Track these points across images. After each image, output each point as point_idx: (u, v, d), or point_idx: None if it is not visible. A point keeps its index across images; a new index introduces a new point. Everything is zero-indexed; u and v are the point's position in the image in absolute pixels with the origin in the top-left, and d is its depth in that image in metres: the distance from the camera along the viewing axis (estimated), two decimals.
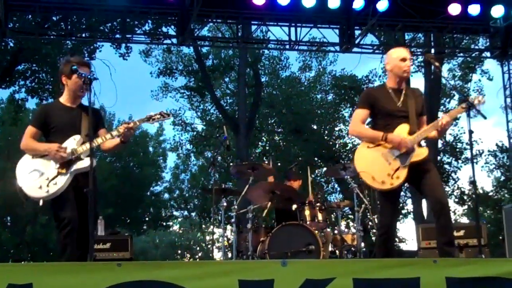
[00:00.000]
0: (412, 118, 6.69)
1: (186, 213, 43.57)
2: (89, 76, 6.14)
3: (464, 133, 30.14)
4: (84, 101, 6.49)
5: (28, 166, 6.33)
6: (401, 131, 6.65)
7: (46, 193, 6.16)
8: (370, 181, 6.56)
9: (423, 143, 6.80)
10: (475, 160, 29.58)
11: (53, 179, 6.18)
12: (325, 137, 34.49)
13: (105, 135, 6.44)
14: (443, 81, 25.35)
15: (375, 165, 6.56)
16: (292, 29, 14.81)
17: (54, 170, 6.23)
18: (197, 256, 41.38)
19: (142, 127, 42.17)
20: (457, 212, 35.79)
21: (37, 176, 6.23)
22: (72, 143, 6.33)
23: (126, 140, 6.49)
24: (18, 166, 6.37)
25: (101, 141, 6.38)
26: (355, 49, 15.29)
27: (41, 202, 6.25)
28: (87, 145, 6.23)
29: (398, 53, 6.90)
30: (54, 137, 6.40)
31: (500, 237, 23.81)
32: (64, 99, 6.57)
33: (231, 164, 30.79)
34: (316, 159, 34.08)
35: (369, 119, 7.03)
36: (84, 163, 6.24)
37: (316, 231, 8.87)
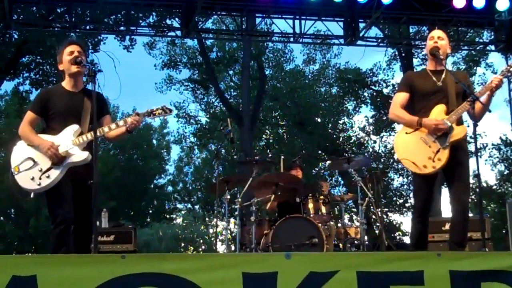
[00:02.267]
0: (451, 97, 6.62)
1: (189, 205, 43.63)
2: (82, 62, 6.19)
3: (468, 126, 30.02)
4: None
5: (23, 153, 6.18)
6: (438, 111, 6.59)
7: (38, 186, 6.03)
8: (412, 167, 6.51)
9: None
10: (479, 154, 29.53)
11: (46, 171, 6.04)
12: (329, 130, 34.47)
13: (110, 124, 6.30)
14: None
15: (415, 150, 6.51)
16: (297, 21, 14.81)
17: (48, 161, 6.07)
18: (200, 249, 41.41)
19: (146, 120, 42.11)
20: None
21: (31, 166, 6.09)
22: (69, 133, 6.17)
23: (132, 130, 6.37)
24: (13, 151, 6.24)
25: (107, 130, 6.25)
26: (359, 42, 15.28)
27: (32, 195, 6.16)
28: (84, 137, 6.15)
29: (429, 34, 6.99)
30: (53, 123, 6.27)
31: (504, 231, 23.81)
32: (65, 83, 6.43)
33: (234, 156, 30.86)
34: (320, 152, 34.08)
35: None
36: (79, 157, 6.12)
37: (320, 224, 8.87)
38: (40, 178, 6.04)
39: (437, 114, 6.56)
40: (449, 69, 6.89)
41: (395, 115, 6.84)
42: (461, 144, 6.66)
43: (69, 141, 6.15)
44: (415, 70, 15.92)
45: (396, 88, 7.19)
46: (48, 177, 6.04)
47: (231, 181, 10.15)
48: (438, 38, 6.80)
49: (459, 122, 6.64)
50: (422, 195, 6.77)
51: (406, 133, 6.67)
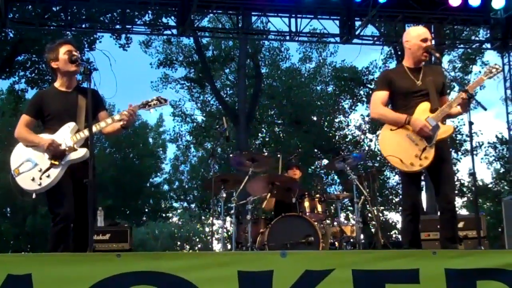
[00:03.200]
0: (432, 95, 6.56)
1: (185, 204, 43.56)
2: (78, 60, 6.19)
3: (464, 124, 30.04)
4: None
5: (22, 155, 6.20)
6: (423, 109, 6.54)
7: (39, 186, 6.04)
8: (398, 164, 6.44)
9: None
10: (474, 152, 29.58)
11: (46, 171, 6.05)
12: (325, 129, 34.49)
13: (106, 119, 6.29)
14: (446, 74, 25.31)
15: (401, 148, 6.45)
16: (293, 20, 14.81)
17: (47, 161, 6.09)
18: (196, 248, 41.43)
19: (142, 118, 42.16)
20: (457, 204, 35.69)
21: (30, 167, 6.11)
22: (66, 131, 6.18)
23: (128, 125, 6.34)
24: (12, 154, 6.25)
25: (104, 124, 6.23)
26: (355, 40, 15.28)
27: (33, 195, 6.15)
28: (82, 134, 6.15)
29: (419, 31, 6.79)
30: (50, 124, 6.27)
31: (499, 229, 23.85)
32: (58, 83, 6.42)
33: (230, 155, 30.85)
34: (316, 150, 34.10)
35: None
36: (77, 153, 6.12)
37: (316, 223, 8.87)
38: (40, 178, 6.05)
39: (422, 112, 6.52)
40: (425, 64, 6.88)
41: (379, 114, 6.71)
42: (444, 141, 6.65)
43: (67, 138, 6.16)
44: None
45: (374, 86, 7.10)
46: (48, 176, 6.05)
47: (228, 180, 10.13)
48: (429, 40, 6.76)
49: (444, 121, 6.65)
50: (411, 192, 6.75)
51: (391, 130, 6.58)
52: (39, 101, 6.40)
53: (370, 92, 32.10)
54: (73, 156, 6.13)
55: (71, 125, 6.21)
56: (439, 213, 6.71)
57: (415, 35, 6.74)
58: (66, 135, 6.18)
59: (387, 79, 6.76)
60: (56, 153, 6.09)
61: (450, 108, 6.54)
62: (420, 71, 6.69)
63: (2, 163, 6.28)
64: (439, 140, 6.47)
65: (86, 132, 6.14)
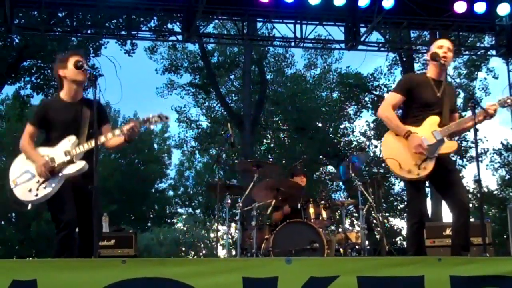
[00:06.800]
0: (445, 111, 6.61)
1: (190, 210, 43.59)
2: (84, 66, 6.20)
3: (469, 131, 30.00)
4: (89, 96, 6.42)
5: (22, 166, 6.25)
6: (430, 123, 6.56)
7: (35, 197, 6.08)
8: (396, 169, 6.46)
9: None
10: (480, 159, 29.50)
11: (43, 182, 6.09)
12: (330, 135, 34.45)
13: (108, 133, 6.29)
14: (449, 79, 25.33)
15: (403, 154, 6.47)
16: (298, 26, 14.78)
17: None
18: (201, 254, 41.35)
19: (144, 126, 42.16)
20: None
21: (28, 178, 6.14)
22: (67, 145, 6.21)
23: (131, 139, 6.37)
24: (12, 165, 6.30)
25: (103, 140, 6.23)
26: (360, 47, 15.23)
27: (29, 206, 6.20)
28: (81, 148, 6.18)
29: (437, 42, 6.94)
30: (52, 135, 6.31)
31: (505, 236, 23.81)
32: (63, 94, 6.43)
33: (235, 161, 30.86)
34: (320, 156, 34.06)
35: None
36: (76, 167, 6.14)
37: (321, 229, 8.86)
38: (37, 189, 6.10)
39: (429, 125, 6.56)
40: (447, 81, 6.91)
41: (385, 116, 6.71)
42: (447, 156, 6.68)
43: (67, 152, 6.19)
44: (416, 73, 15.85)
45: (393, 87, 7.10)
46: (45, 188, 6.09)
47: (231, 187, 10.16)
48: (448, 49, 6.78)
49: (450, 137, 6.66)
50: (418, 200, 6.77)
51: (396, 134, 6.62)
52: (43, 110, 6.46)
53: (375, 98, 32.16)
54: (71, 169, 6.16)
55: (71, 138, 6.24)
56: (452, 220, 6.69)
57: (434, 45, 6.90)
58: (65, 148, 6.20)
59: (407, 86, 6.79)
60: (45, 177, 6.10)
61: (458, 127, 6.59)
62: (441, 84, 6.73)
63: (7, 168, 6.29)
64: (442, 155, 6.48)
65: (86, 146, 6.19)
